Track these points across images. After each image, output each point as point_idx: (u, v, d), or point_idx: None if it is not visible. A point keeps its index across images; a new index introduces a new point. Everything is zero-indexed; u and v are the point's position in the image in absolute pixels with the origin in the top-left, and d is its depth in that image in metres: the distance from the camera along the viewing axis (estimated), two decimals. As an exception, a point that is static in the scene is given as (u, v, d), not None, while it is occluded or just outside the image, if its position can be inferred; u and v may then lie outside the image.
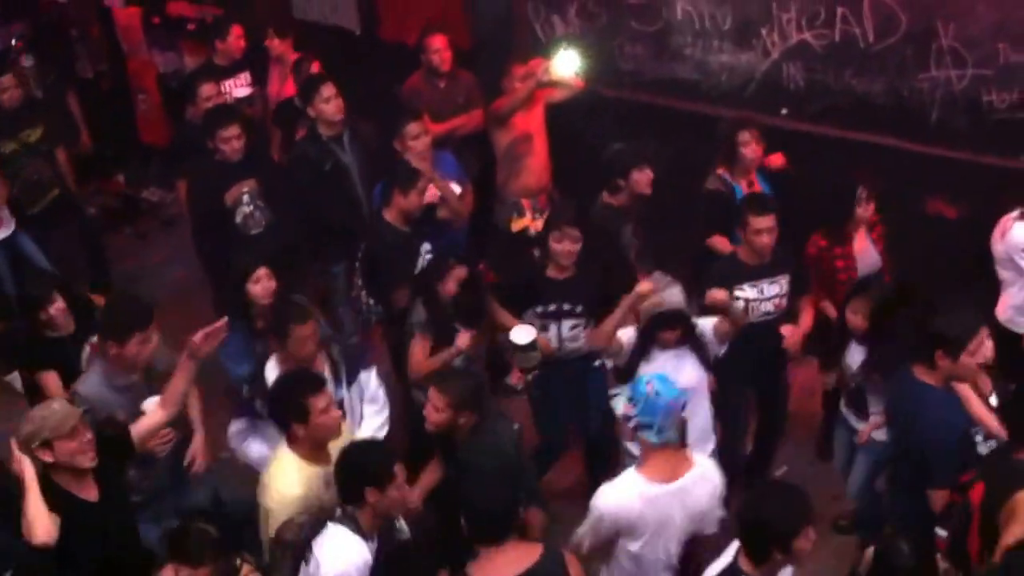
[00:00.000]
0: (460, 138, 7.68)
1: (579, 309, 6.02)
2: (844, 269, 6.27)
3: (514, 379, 6.57)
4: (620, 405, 4.72)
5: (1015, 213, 6.12)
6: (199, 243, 7.74)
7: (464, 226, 7.24)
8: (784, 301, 6.07)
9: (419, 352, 5.93)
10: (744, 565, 4.11)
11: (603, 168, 6.77)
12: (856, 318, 5.72)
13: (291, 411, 4.78)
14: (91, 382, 5.38)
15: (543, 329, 6.02)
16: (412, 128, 6.87)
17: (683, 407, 4.62)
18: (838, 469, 6.09)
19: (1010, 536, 4.33)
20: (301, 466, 4.76)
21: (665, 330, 5.50)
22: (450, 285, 5.90)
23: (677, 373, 5.28)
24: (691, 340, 5.56)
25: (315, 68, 8.00)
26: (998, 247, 6.18)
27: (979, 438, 5.10)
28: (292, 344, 5.42)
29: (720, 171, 6.72)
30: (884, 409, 5.52)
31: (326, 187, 7.14)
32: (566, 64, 7.38)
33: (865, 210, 6.26)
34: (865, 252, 6.33)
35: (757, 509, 4.12)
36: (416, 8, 8.38)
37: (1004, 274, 6.18)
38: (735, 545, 4.18)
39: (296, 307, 5.60)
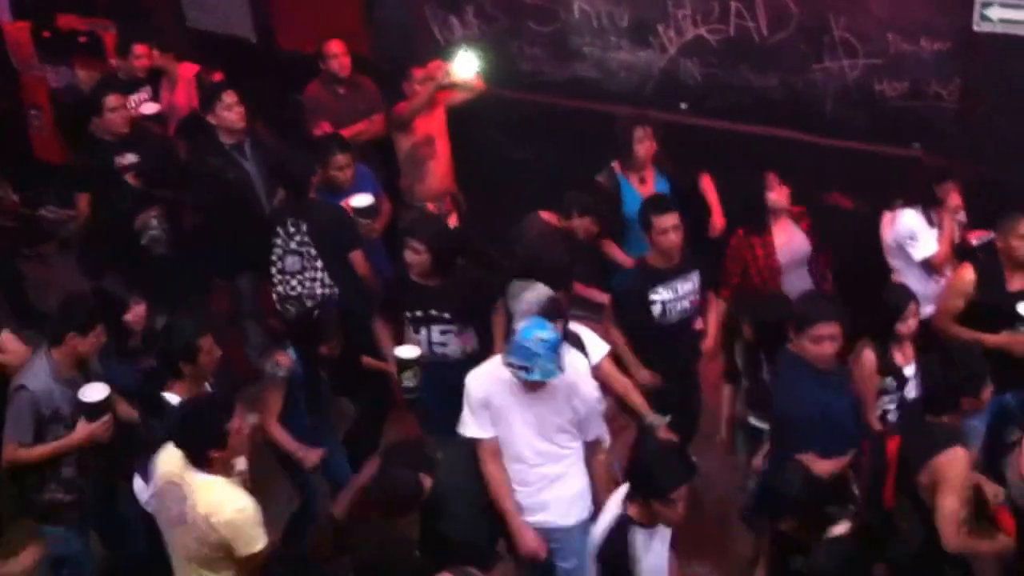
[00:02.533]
0: (362, 144, 7.62)
1: (447, 315, 6.00)
2: (763, 257, 6.28)
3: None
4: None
5: (900, 202, 6.25)
6: (93, 262, 7.60)
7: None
8: (698, 297, 6.12)
9: (272, 410, 5.72)
10: (631, 510, 4.54)
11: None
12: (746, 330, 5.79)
13: (208, 439, 4.64)
14: (39, 376, 5.34)
15: (415, 332, 6.04)
16: (339, 159, 6.80)
17: (552, 345, 4.84)
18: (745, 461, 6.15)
19: (946, 504, 4.64)
20: (229, 483, 4.71)
21: None
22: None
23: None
24: (569, 337, 5.51)
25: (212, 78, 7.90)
26: (887, 236, 6.30)
27: None
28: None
29: (615, 166, 6.76)
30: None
31: (228, 197, 7.04)
32: (466, 66, 7.38)
33: (778, 195, 6.27)
34: (790, 242, 6.32)
35: (643, 460, 4.62)
36: (313, 15, 8.32)
37: (894, 262, 6.29)
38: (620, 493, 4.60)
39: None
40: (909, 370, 5.51)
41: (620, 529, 4.53)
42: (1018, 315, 5.51)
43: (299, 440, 5.71)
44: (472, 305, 5.99)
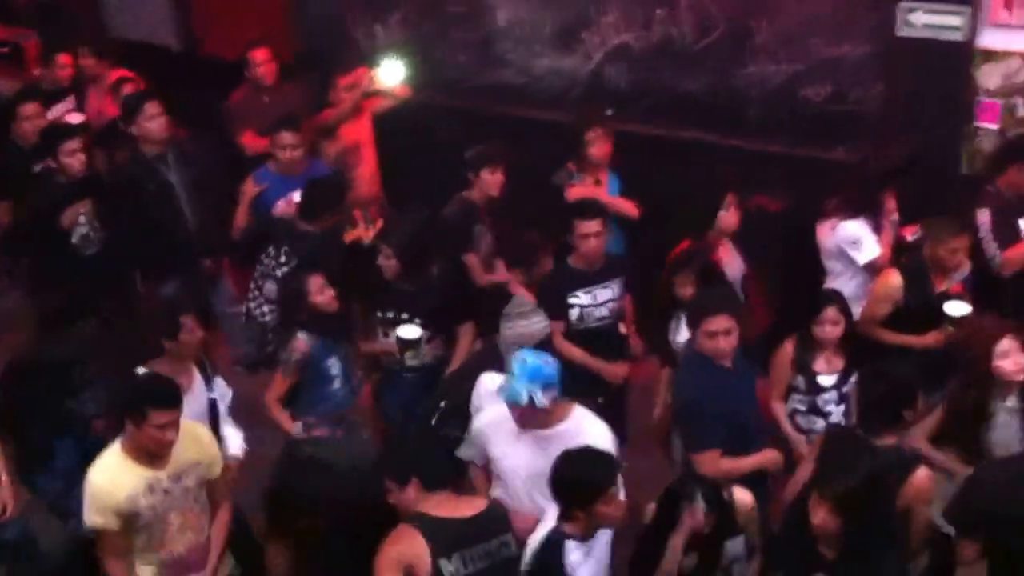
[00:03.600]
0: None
1: (416, 320, 5.96)
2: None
3: None
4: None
5: (841, 212, 6.21)
6: (13, 262, 7.44)
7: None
8: (618, 305, 6.10)
9: (276, 390, 5.76)
10: (564, 525, 4.43)
11: (463, 164, 6.67)
12: (684, 290, 5.71)
13: (129, 411, 4.63)
14: None
15: (384, 335, 6.01)
16: (284, 137, 6.79)
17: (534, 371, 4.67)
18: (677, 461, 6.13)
19: (921, 519, 4.61)
20: (125, 464, 4.66)
21: None
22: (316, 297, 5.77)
23: None
24: None
25: (132, 88, 7.77)
26: (827, 240, 6.25)
27: None
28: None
29: (571, 167, 6.73)
30: None
31: (150, 207, 6.93)
32: (391, 73, 7.35)
33: (731, 218, 6.14)
34: (730, 264, 6.22)
35: (562, 471, 4.42)
36: (237, 22, 8.23)
37: (833, 265, 6.25)
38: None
39: None
40: (826, 379, 5.46)
41: (554, 544, 4.42)
42: (946, 315, 5.52)
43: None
44: (442, 312, 5.99)
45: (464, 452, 5.07)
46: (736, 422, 5.06)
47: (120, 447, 4.69)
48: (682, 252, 5.97)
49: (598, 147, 6.68)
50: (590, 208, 6.01)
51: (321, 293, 5.76)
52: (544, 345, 5.28)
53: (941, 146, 6.55)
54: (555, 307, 5.85)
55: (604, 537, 4.55)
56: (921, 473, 4.57)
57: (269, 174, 6.91)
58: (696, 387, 5.09)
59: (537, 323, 5.40)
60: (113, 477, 4.62)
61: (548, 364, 4.71)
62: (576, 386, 5.73)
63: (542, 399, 4.63)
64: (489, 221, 6.58)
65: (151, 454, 4.65)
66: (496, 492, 4.90)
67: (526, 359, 4.68)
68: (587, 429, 4.79)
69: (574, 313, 5.91)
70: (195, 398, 5.29)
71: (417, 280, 6.02)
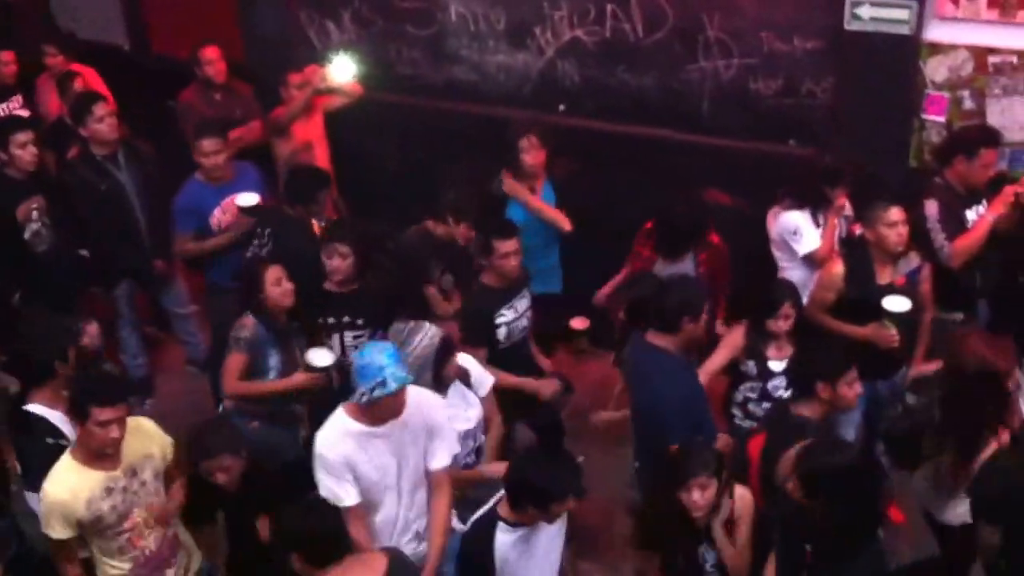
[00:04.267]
0: (240, 151, 7.48)
1: (360, 322, 5.93)
2: None
3: None
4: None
5: (788, 200, 6.29)
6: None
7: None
8: (531, 312, 6.09)
9: (233, 370, 5.62)
10: (501, 509, 4.46)
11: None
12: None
13: (73, 410, 4.64)
14: None
15: (327, 338, 5.93)
16: (205, 144, 6.68)
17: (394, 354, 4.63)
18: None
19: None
20: (79, 470, 4.63)
21: (447, 362, 5.27)
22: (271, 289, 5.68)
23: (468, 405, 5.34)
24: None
25: (81, 84, 7.70)
26: (772, 230, 6.37)
27: None
28: None
29: (506, 176, 6.67)
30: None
31: (102, 208, 6.87)
32: (342, 71, 7.32)
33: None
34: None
35: (525, 471, 4.44)
36: (187, 21, 8.16)
37: (779, 255, 6.37)
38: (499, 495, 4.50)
39: None
40: (777, 365, 5.54)
41: (486, 525, 4.44)
42: (884, 310, 5.57)
43: None
44: (385, 311, 5.88)
45: (328, 493, 4.66)
46: (695, 415, 5.13)
47: (70, 455, 4.67)
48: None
49: (532, 155, 6.60)
50: (507, 227, 5.94)
51: (277, 284, 5.67)
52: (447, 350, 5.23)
53: (889, 139, 6.61)
54: (481, 332, 5.82)
55: (548, 530, 4.54)
56: None
57: (199, 185, 6.79)
58: (654, 383, 5.15)
59: (421, 342, 5.20)
60: (70, 486, 4.59)
61: (392, 346, 4.73)
62: (517, 410, 5.89)
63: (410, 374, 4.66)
64: (446, 257, 6.40)
65: (101, 455, 4.62)
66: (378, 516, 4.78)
67: (383, 349, 4.62)
68: (421, 398, 4.80)
69: (501, 333, 5.86)
70: None
71: (360, 281, 5.96)
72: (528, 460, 4.67)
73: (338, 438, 4.64)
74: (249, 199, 6.57)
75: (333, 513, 4.34)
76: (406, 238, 6.46)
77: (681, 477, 4.59)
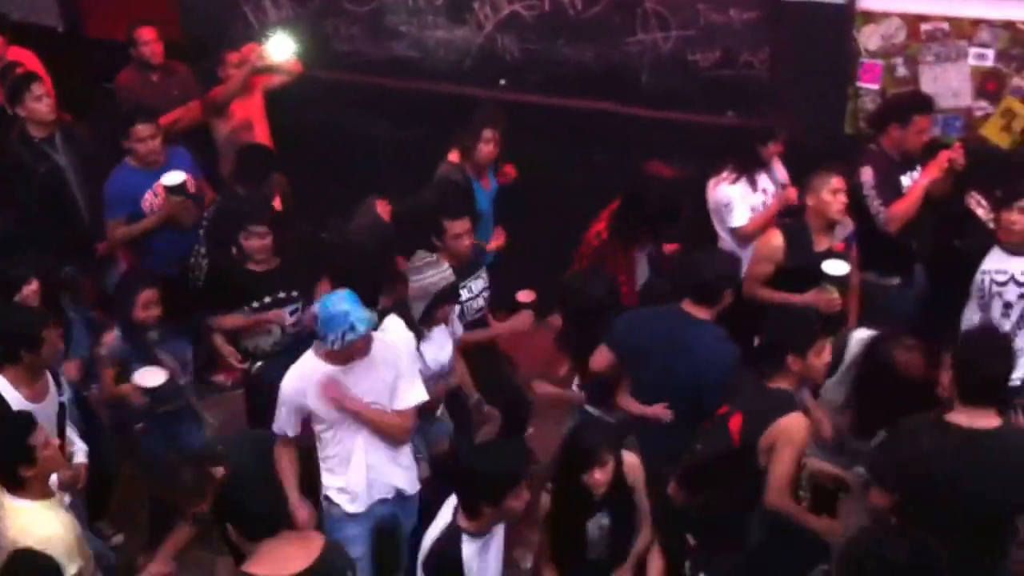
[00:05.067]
0: (180, 131, 7.43)
1: (294, 294, 5.96)
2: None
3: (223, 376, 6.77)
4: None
5: (728, 169, 6.35)
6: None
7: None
8: (489, 291, 6.10)
9: (108, 382, 5.74)
10: (461, 521, 4.33)
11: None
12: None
13: (12, 454, 4.49)
14: None
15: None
16: (140, 130, 6.60)
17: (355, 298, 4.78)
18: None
19: (781, 462, 4.61)
20: (43, 506, 4.54)
21: (442, 306, 5.45)
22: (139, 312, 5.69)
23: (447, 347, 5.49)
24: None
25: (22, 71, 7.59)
26: (710, 201, 6.43)
27: None
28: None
29: (454, 159, 6.61)
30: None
31: (41, 191, 6.80)
32: (280, 49, 7.26)
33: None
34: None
35: (470, 465, 4.39)
36: (122, 1, 8.06)
37: (717, 225, 6.44)
38: (453, 501, 4.39)
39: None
40: None
41: (452, 538, 4.38)
42: (824, 274, 5.64)
43: None
44: (313, 277, 5.88)
45: (278, 424, 5.02)
46: None
47: (23, 500, 4.54)
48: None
49: (491, 148, 6.57)
50: (458, 207, 5.90)
51: (145, 310, 5.68)
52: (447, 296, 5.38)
53: (825, 107, 6.68)
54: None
55: (499, 529, 4.53)
56: (793, 416, 4.65)
57: (130, 170, 6.71)
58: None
59: (431, 276, 5.38)
60: (60, 525, 4.51)
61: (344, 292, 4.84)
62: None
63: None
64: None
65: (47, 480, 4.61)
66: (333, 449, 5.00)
67: (342, 297, 4.76)
68: (389, 342, 5.01)
69: (456, 311, 5.84)
70: (50, 403, 5.17)
71: (282, 255, 6.01)
72: (471, 454, 4.69)
73: (303, 377, 4.93)
74: (174, 178, 6.51)
75: (271, 488, 4.33)
76: (359, 230, 6.36)
77: (588, 461, 4.63)
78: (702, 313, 5.20)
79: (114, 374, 5.70)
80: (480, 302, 6.03)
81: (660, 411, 5.23)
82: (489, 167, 6.75)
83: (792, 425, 4.64)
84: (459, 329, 5.76)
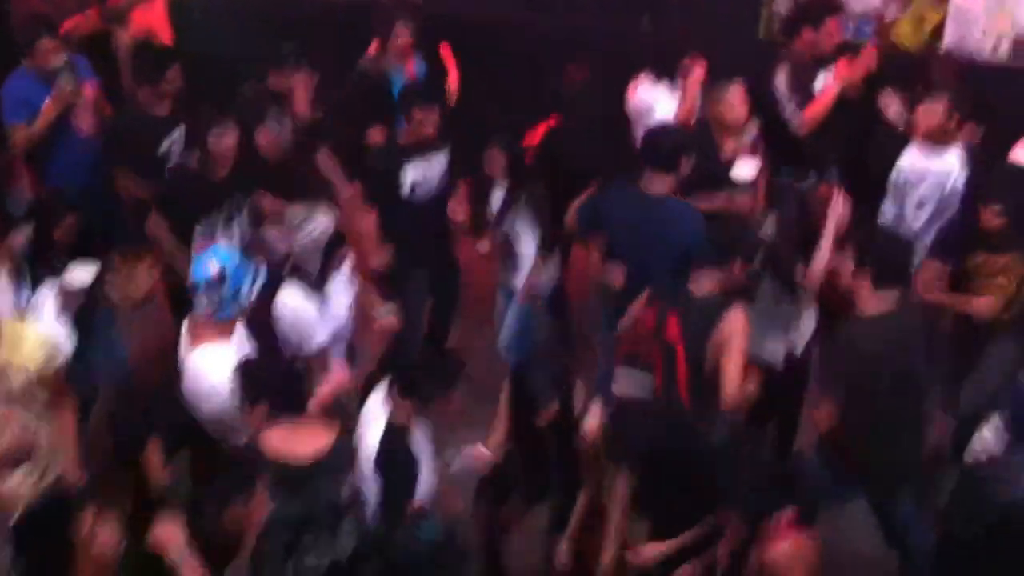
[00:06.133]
0: (78, 41, 7.16)
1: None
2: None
3: None
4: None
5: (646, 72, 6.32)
6: None
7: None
8: (448, 179, 6.03)
9: None
10: (399, 417, 4.41)
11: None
12: None
13: None
14: None
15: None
16: (46, 44, 6.28)
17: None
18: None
19: (733, 360, 4.65)
20: None
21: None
22: None
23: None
24: None
25: None
26: (630, 106, 6.35)
27: None
28: None
29: (373, 53, 6.57)
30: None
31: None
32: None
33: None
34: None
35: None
36: None
37: (637, 131, 6.35)
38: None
39: None
40: None
41: (399, 436, 4.38)
42: (733, 178, 5.65)
43: None
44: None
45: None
46: None
47: None
48: None
49: (404, 40, 6.53)
50: (428, 97, 5.92)
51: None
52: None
53: (739, 12, 6.70)
54: (386, 187, 5.82)
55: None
56: (735, 311, 4.72)
57: (27, 77, 6.33)
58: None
59: (314, 230, 5.21)
60: None
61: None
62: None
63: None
64: None
65: None
66: None
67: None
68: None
69: (406, 188, 5.83)
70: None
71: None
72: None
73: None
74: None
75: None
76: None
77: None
78: (663, 186, 5.21)
79: None
80: (433, 184, 5.93)
81: None
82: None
83: (734, 319, 4.70)
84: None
